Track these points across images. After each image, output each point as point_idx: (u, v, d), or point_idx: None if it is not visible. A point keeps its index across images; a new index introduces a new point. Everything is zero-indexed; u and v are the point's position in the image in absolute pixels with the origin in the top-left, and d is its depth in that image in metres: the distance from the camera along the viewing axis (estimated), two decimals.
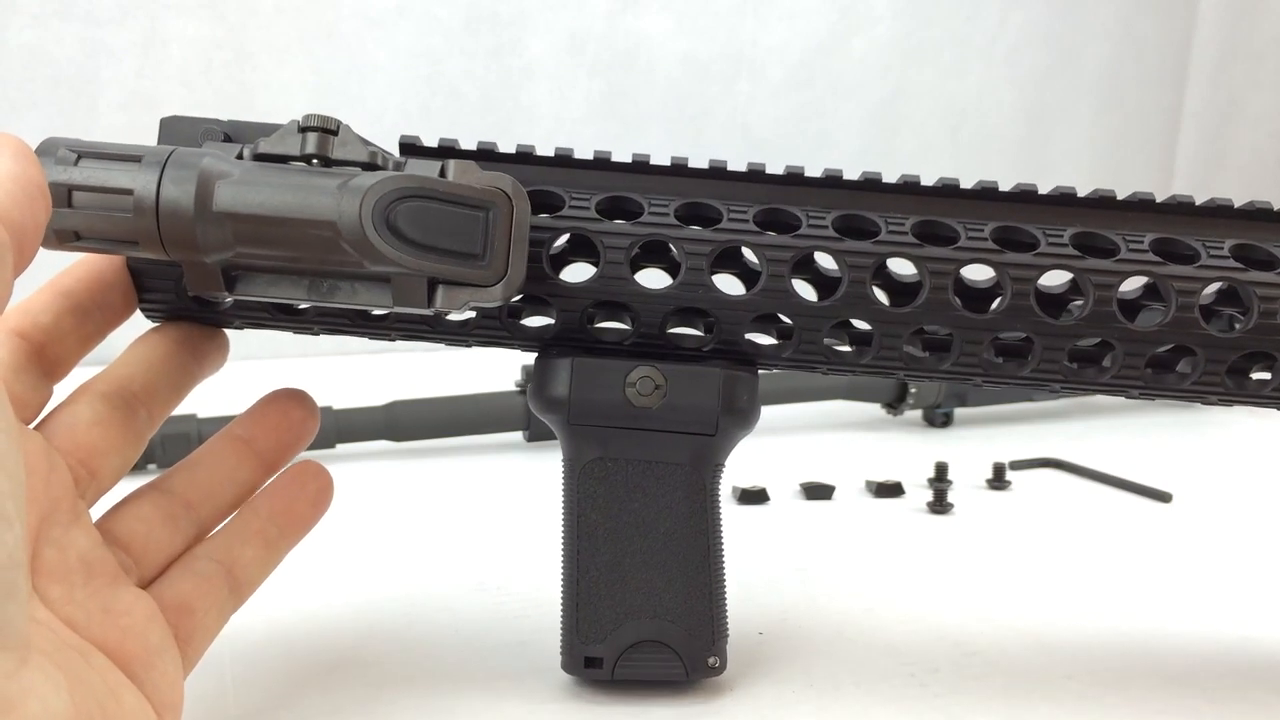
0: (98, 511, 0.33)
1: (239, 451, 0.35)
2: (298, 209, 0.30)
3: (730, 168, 0.36)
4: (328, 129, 0.31)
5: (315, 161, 0.31)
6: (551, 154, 0.36)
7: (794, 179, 0.36)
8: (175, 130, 0.34)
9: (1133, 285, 0.35)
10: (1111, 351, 0.35)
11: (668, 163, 0.36)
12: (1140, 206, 0.36)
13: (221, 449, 0.35)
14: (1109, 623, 0.46)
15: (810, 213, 0.35)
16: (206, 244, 0.30)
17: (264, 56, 1.00)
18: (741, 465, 0.67)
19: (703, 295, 0.35)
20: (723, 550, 0.38)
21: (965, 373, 0.36)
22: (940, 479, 0.62)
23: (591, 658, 0.36)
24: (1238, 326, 0.35)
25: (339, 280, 0.32)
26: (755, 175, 0.36)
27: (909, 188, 0.36)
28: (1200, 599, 0.49)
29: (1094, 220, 0.36)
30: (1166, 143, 1.35)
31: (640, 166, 0.36)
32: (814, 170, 0.37)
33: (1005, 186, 0.36)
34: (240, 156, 0.31)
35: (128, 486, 0.34)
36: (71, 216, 0.30)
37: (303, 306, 0.36)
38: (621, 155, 0.36)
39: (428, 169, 0.31)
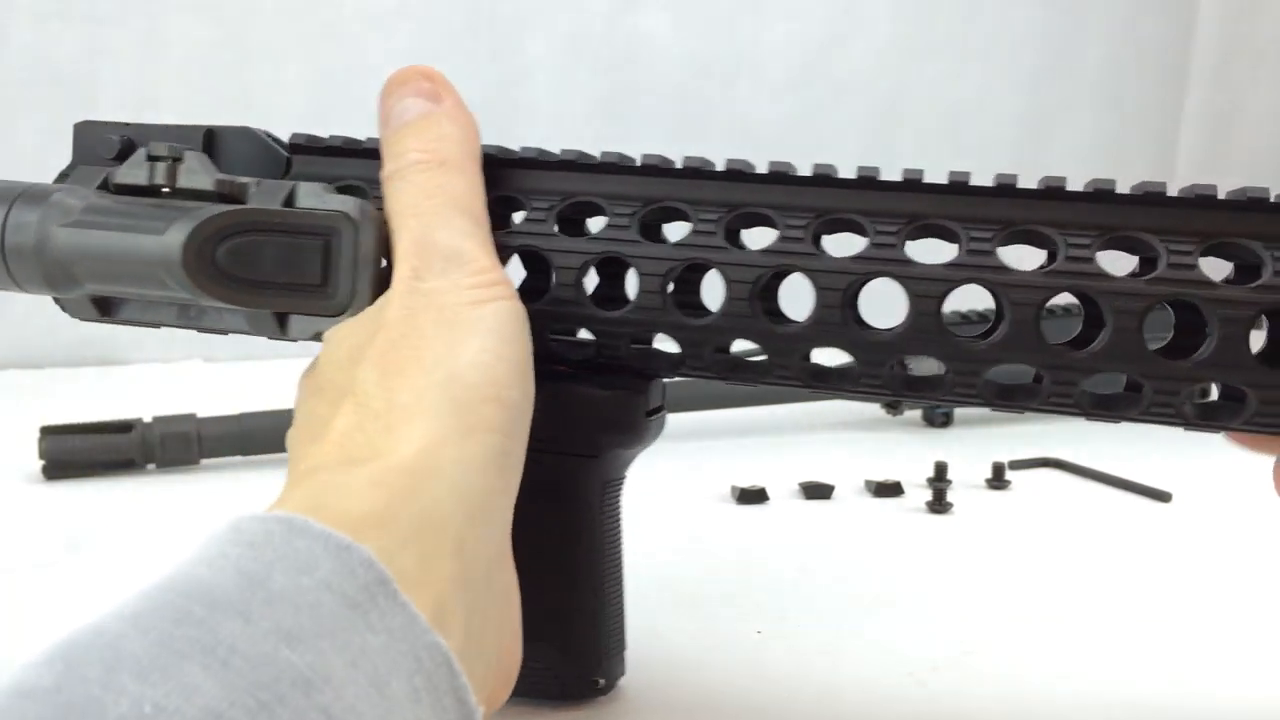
0: None
1: None
2: (127, 252, 0.30)
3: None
4: (175, 157, 0.31)
5: (165, 191, 0.31)
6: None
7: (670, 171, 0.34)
8: (86, 134, 0.34)
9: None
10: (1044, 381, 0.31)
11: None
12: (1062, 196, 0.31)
13: None
14: (1108, 622, 0.46)
15: (702, 214, 0.33)
16: (54, 283, 0.31)
17: (264, 56, 1.00)
18: (741, 465, 0.67)
19: (579, 313, 0.33)
20: (620, 567, 0.37)
21: (875, 391, 0.32)
22: (940, 479, 0.62)
23: None
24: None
25: (204, 308, 0.32)
26: (632, 168, 0.34)
27: (790, 178, 0.33)
28: (1200, 599, 0.49)
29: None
30: (1166, 143, 1.35)
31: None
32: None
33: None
34: (105, 185, 0.32)
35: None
36: None
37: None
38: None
39: (274, 194, 0.31)
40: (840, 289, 0.31)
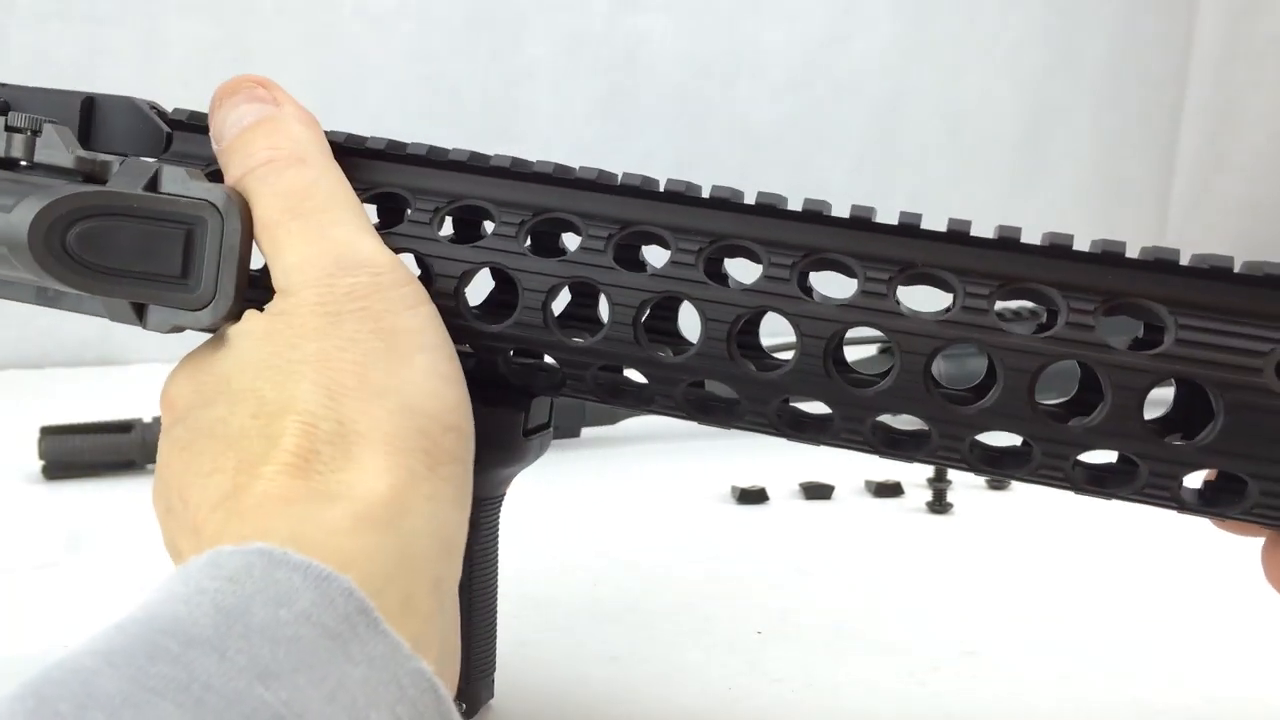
0: None
1: None
2: None
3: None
4: (33, 129, 0.30)
5: (23, 164, 0.30)
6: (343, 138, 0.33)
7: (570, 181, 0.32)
8: None
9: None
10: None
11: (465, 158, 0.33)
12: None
13: None
14: (1109, 622, 0.46)
15: (592, 229, 0.31)
16: None
17: (264, 56, 1.00)
18: (741, 465, 0.67)
19: (459, 325, 0.31)
20: (494, 588, 0.35)
21: (757, 426, 0.31)
22: (940, 479, 0.62)
23: None
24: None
25: (60, 290, 0.30)
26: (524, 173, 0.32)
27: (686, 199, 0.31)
28: (1200, 599, 0.49)
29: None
30: (1166, 143, 1.35)
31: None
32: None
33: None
34: None
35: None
36: None
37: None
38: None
39: (137, 176, 0.29)
40: (633, 306, 0.30)
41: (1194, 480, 0.28)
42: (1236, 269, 0.27)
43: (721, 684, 0.38)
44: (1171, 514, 0.36)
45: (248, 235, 0.29)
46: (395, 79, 1.05)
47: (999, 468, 0.30)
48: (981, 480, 0.66)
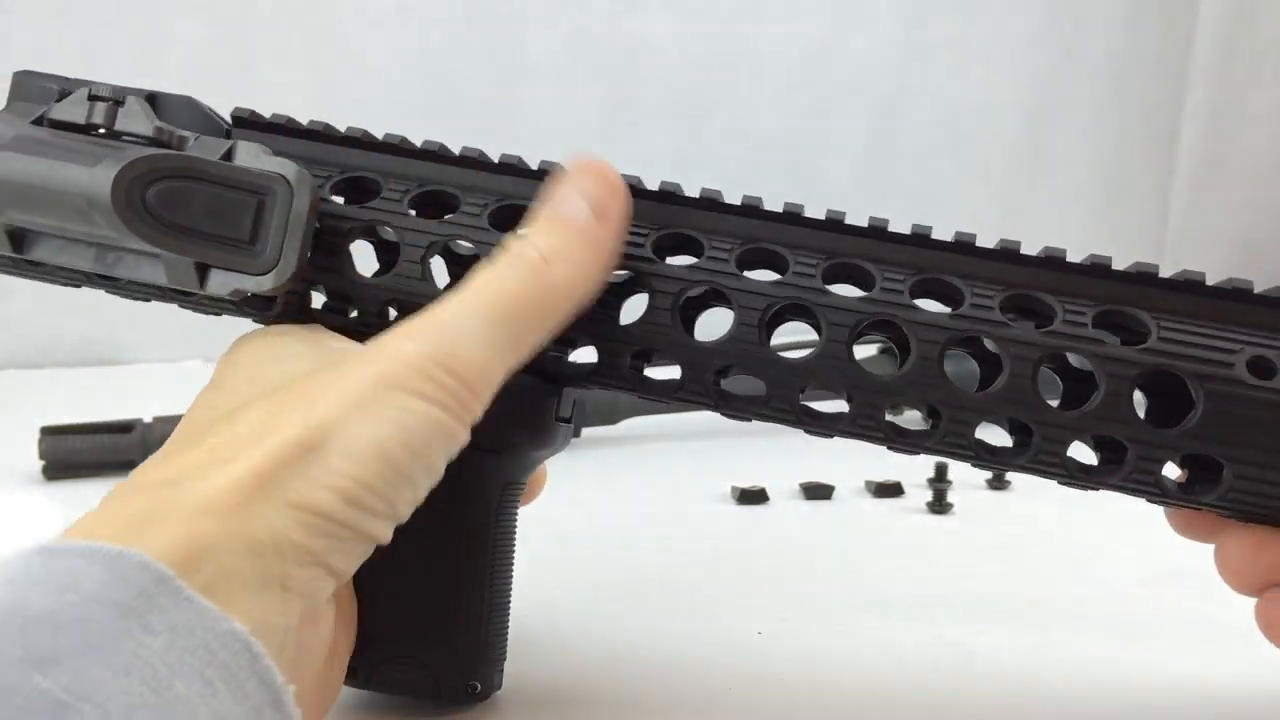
0: None
1: None
2: (53, 180, 0.29)
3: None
4: (116, 100, 0.31)
5: (101, 131, 0.31)
6: (380, 139, 0.35)
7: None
8: (26, 84, 0.34)
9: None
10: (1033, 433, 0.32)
11: (495, 160, 0.35)
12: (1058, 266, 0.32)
13: None
14: (1109, 622, 0.46)
15: (635, 229, 0.33)
16: None
17: (264, 56, 1.00)
18: (741, 465, 0.67)
19: None
20: (510, 573, 0.36)
21: (779, 417, 0.33)
22: (940, 479, 0.62)
23: (351, 667, 0.33)
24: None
25: (122, 252, 0.31)
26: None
27: (746, 210, 0.33)
28: (1199, 598, 0.49)
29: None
30: (1166, 143, 1.35)
31: (469, 161, 0.35)
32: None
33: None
34: (39, 121, 0.31)
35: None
36: None
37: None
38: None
39: (211, 149, 0.31)
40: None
41: (1172, 471, 0.32)
42: (1210, 284, 0.31)
43: (722, 684, 0.38)
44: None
45: (314, 210, 0.31)
46: (395, 79, 1.05)
47: (999, 459, 0.32)
48: (982, 480, 0.66)
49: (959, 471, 0.64)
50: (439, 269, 0.34)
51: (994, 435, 0.33)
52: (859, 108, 1.21)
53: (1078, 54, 1.30)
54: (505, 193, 0.34)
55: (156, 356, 0.97)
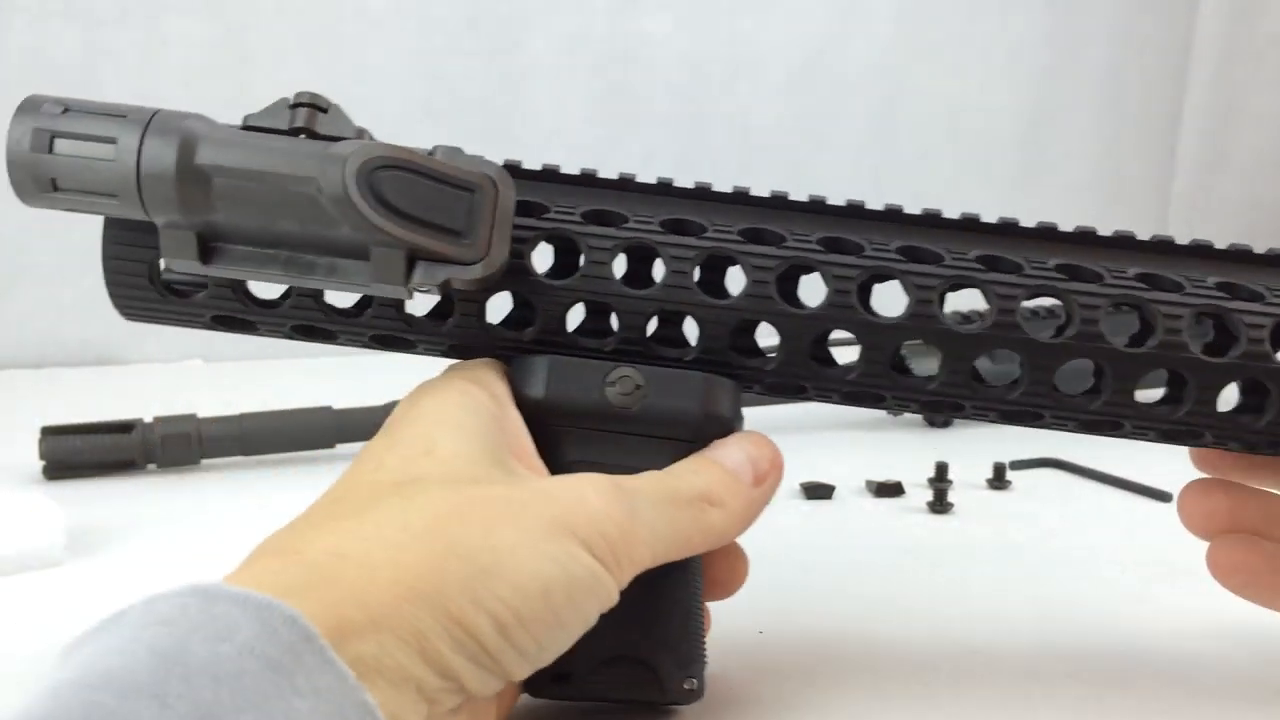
0: None
1: None
2: (280, 165, 0.30)
3: (716, 189, 0.37)
4: (317, 106, 0.32)
5: (303, 136, 0.32)
6: (538, 168, 0.36)
7: (779, 202, 0.36)
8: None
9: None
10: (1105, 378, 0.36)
11: (653, 181, 0.37)
12: (1123, 244, 0.37)
13: None
14: (1109, 622, 0.46)
15: (794, 231, 0.36)
16: (185, 200, 0.30)
17: (264, 56, 1.00)
18: None
19: (685, 296, 0.35)
20: (701, 566, 0.36)
21: (951, 397, 0.37)
22: (940, 479, 0.62)
23: (560, 673, 0.32)
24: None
25: (317, 257, 0.32)
26: (741, 197, 0.36)
27: (894, 215, 0.36)
28: (1200, 598, 0.49)
29: (1082, 254, 0.37)
30: (1166, 143, 1.35)
31: (625, 184, 0.36)
32: (801, 195, 0.37)
33: (994, 213, 0.38)
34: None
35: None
36: (51, 163, 0.30)
37: (277, 296, 0.36)
38: (615, 165, 0.36)
39: (413, 151, 0.31)
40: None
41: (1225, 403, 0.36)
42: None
43: (722, 684, 0.38)
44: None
45: (512, 210, 0.32)
46: (395, 79, 1.05)
47: (1077, 410, 0.37)
48: (982, 480, 0.66)
49: (960, 471, 0.64)
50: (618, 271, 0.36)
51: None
52: (859, 108, 1.21)
53: (1078, 54, 1.30)
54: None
55: (156, 356, 0.97)
